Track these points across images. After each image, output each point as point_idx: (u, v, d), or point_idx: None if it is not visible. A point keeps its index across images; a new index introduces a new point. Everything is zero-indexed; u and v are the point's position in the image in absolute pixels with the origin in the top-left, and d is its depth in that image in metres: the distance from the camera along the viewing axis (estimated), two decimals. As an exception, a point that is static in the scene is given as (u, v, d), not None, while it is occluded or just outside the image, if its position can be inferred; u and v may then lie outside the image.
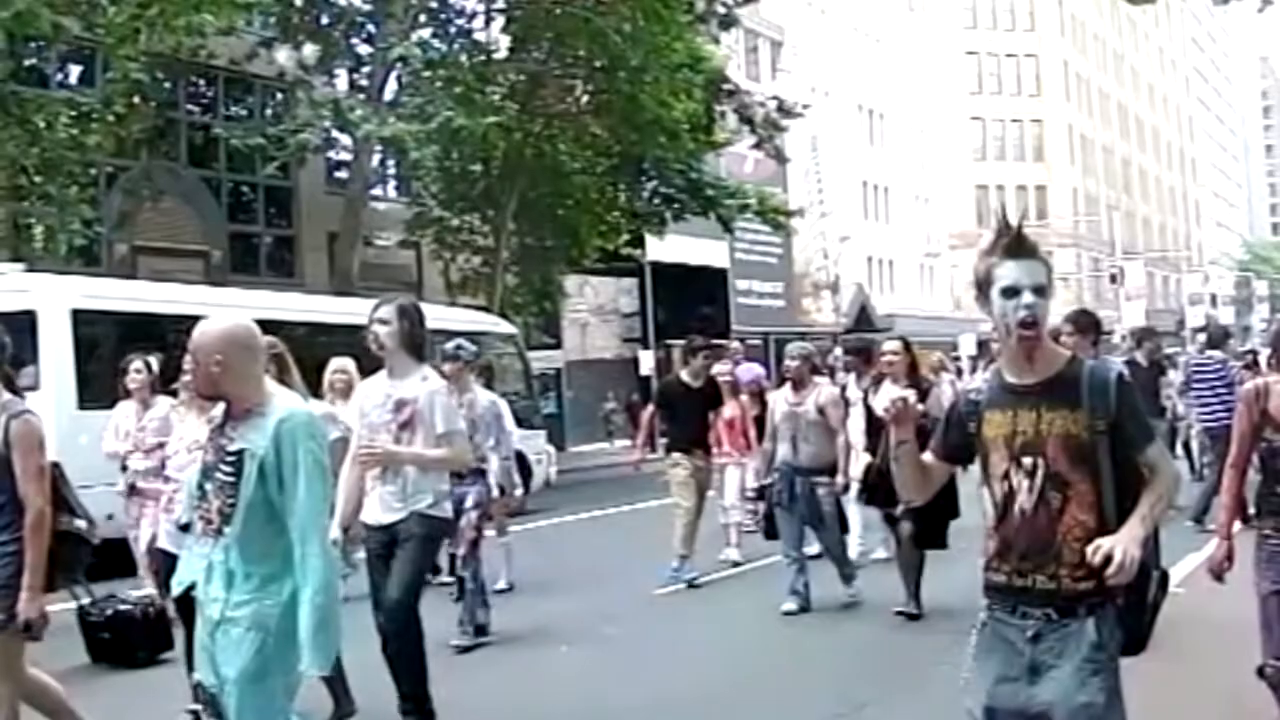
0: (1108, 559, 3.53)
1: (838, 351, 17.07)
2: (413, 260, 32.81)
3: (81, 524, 6.06)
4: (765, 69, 50.58)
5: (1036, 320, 3.78)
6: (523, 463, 20.05)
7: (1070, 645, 3.73)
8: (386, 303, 7.03)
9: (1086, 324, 8.75)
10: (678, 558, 12.20)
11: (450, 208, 29.46)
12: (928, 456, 4.11)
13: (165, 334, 13.75)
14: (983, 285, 3.87)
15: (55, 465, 5.79)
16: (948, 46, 72.97)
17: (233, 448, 4.52)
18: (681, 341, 30.84)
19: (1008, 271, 3.79)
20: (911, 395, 4.08)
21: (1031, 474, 3.81)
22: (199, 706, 4.85)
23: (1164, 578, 3.89)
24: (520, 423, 20.63)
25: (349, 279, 25.66)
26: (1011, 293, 3.77)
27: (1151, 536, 3.79)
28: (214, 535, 4.53)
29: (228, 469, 4.51)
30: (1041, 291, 3.79)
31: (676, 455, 12.48)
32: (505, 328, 23.98)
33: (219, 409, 4.70)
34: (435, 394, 6.92)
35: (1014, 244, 3.83)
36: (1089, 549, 3.59)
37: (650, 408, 14.35)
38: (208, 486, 4.58)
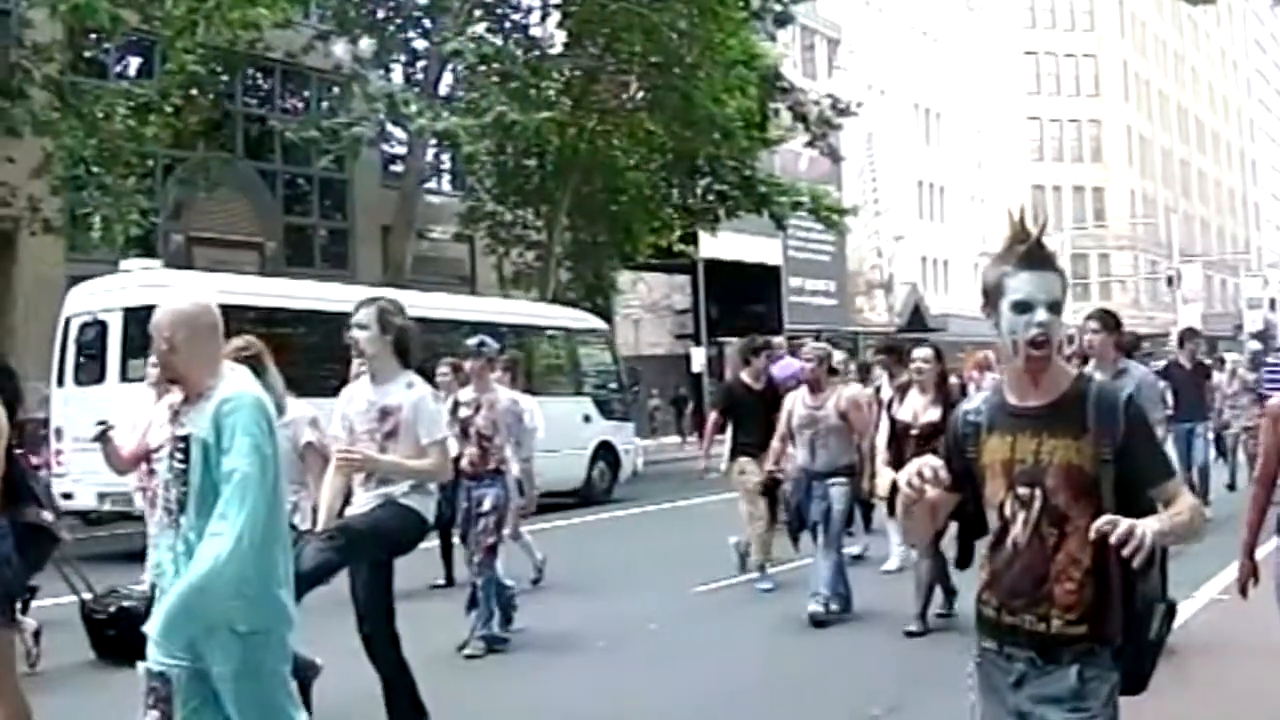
0: (1112, 532, 3.15)
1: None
2: (466, 254, 32.90)
3: (48, 516, 6.00)
4: (822, 67, 50.36)
5: (1049, 339, 3.45)
6: (612, 453, 22.18)
7: (1052, 692, 3.43)
8: (365, 305, 6.59)
9: (1112, 322, 8.42)
10: (757, 570, 11.92)
11: (504, 202, 29.53)
12: (930, 491, 3.58)
13: (295, 327, 15.18)
14: (991, 295, 3.54)
15: (24, 456, 5.68)
16: (1006, 46, 72.46)
17: (181, 433, 4.40)
18: (733, 339, 30.79)
19: (1021, 283, 3.47)
20: (942, 470, 3.51)
21: (1028, 505, 3.48)
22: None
23: (1170, 611, 3.54)
24: (611, 415, 22.71)
25: (402, 272, 25.74)
26: (1024, 307, 3.45)
27: (1159, 569, 3.46)
28: (174, 526, 4.41)
29: (180, 455, 4.39)
30: (1056, 308, 3.47)
31: (744, 460, 11.89)
32: (597, 324, 24.56)
33: (178, 394, 4.57)
34: (420, 402, 6.50)
35: (1031, 253, 3.49)
36: (1094, 525, 3.21)
37: (713, 413, 13.86)
38: (168, 475, 4.48)
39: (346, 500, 6.63)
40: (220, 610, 4.21)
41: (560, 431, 20.37)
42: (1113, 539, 3.14)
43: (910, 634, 9.54)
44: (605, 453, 22.23)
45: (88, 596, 8.94)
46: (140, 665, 4.48)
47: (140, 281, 16.06)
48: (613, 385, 23.63)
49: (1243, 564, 5.68)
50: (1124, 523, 3.15)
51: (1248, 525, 5.75)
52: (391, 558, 6.61)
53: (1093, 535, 3.21)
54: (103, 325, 16.20)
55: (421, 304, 19.37)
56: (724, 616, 10.98)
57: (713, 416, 13.52)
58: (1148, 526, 3.16)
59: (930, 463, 3.49)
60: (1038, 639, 3.46)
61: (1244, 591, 5.66)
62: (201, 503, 4.28)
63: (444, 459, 6.63)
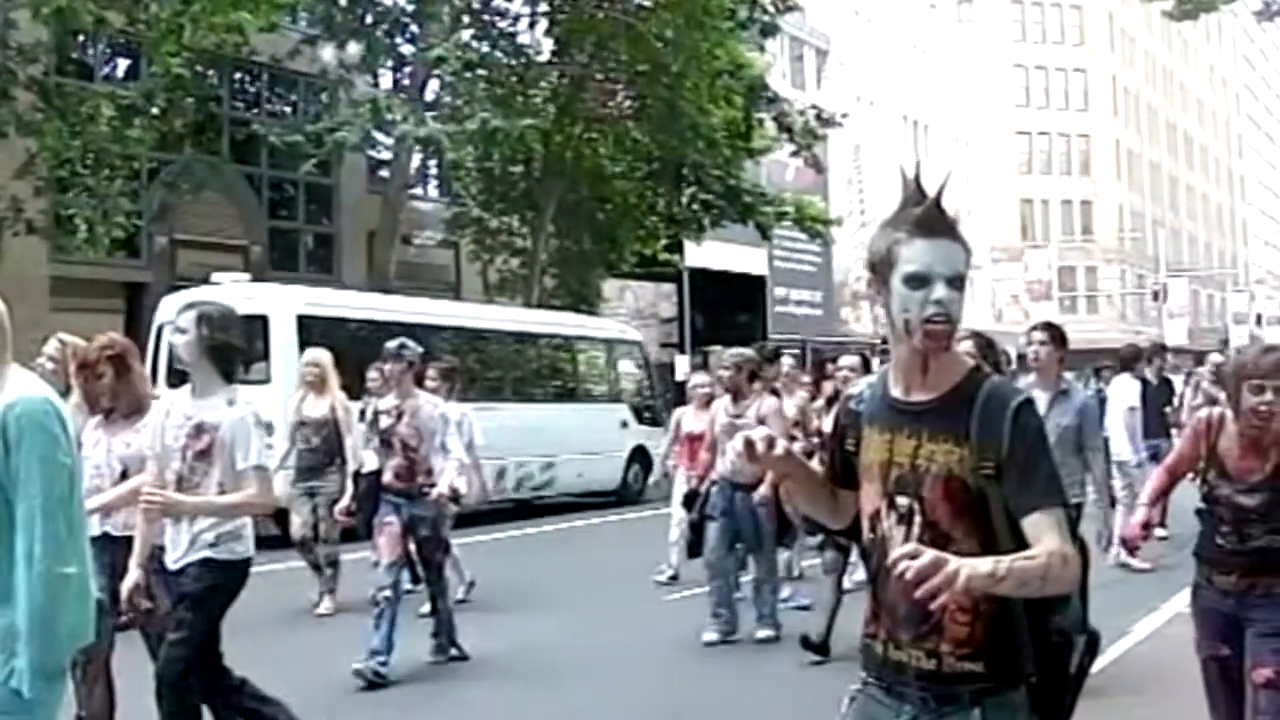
0: (910, 567, 2.60)
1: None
2: (451, 260, 32.92)
3: None
4: (810, 78, 50.45)
5: (950, 319, 2.92)
6: (645, 456, 23.27)
7: None
8: (187, 309, 5.91)
9: (1060, 335, 8.16)
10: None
11: (490, 209, 29.58)
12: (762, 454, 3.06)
13: (377, 336, 15.72)
14: (879, 267, 2.96)
15: None
16: (995, 59, 72.64)
17: None
18: (718, 347, 30.72)
19: (917, 253, 2.91)
20: (768, 444, 3.03)
21: (906, 520, 2.93)
22: None
23: (1092, 642, 3.00)
24: (645, 420, 24.01)
25: (387, 277, 25.77)
26: (919, 281, 2.90)
27: (1078, 596, 2.96)
28: None
29: None
30: (958, 283, 2.94)
31: None
32: (632, 335, 26.13)
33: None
34: (239, 422, 5.77)
35: (928, 218, 2.93)
36: (897, 551, 2.70)
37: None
38: None
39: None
40: (70, 645, 3.72)
41: (600, 436, 22.25)
42: (909, 574, 2.60)
43: (809, 648, 9.30)
44: (640, 456, 23.38)
45: None
46: None
47: (230, 294, 16.70)
48: (645, 393, 24.99)
49: (1143, 510, 5.28)
50: (928, 555, 2.61)
51: (1153, 481, 5.40)
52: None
53: (895, 570, 2.65)
54: None
55: (475, 315, 21.40)
56: (680, 629, 10.55)
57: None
58: (969, 567, 2.62)
59: (754, 434, 3.04)
60: (929, 678, 2.93)
61: (1130, 545, 5.18)
62: None
63: (264, 488, 5.84)
